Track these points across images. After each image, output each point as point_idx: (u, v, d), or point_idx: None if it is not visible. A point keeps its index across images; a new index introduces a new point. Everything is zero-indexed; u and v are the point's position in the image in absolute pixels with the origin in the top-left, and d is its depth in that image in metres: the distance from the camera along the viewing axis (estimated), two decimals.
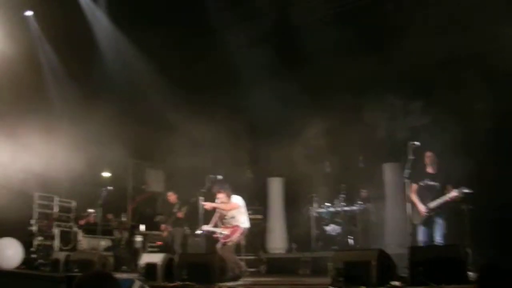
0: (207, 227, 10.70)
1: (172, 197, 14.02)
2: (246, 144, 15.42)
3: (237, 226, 10.45)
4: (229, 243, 10.33)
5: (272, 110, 14.03)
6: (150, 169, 19.57)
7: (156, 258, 9.75)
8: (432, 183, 10.20)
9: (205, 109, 14.15)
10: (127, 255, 15.12)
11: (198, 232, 11.03)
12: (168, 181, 18.72)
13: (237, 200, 10.62)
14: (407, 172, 9.38)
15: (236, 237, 10.41)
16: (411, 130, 12.50)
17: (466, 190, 9.78)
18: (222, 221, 10.63)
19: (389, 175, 13.79)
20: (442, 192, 9.98)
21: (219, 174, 11.28)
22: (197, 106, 14.10)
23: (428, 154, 10.26)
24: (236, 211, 10.55)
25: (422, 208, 10.01)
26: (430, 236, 10.07)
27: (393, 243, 11.82)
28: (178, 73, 14.70)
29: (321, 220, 14.39)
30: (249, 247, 14.09)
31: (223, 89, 14.65)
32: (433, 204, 10.00)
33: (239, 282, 9.40)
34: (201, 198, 10.94)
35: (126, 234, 15.77)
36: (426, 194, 10.08)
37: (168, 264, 9.53)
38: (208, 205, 10.71)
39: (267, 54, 13.49)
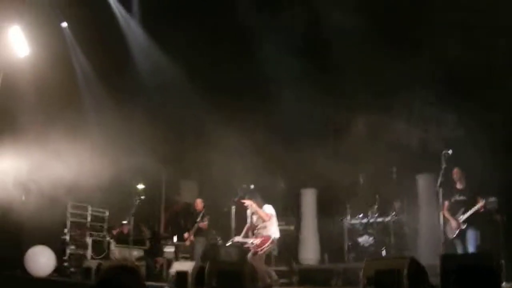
0: (238, 238, 10.80)
1: (199, 205, 14.09)
2: (279, 154, 15.44)
3: (268, 236, 10.54)
4: (260, 253, 10.36)
5: (306, 119, 14.04)
6: (183, 180, 19.67)
7: (187, 266, 9.80)
8: (461, 198, 10.62)
9: (238, 118, 14.19)
10: (159, 265, 15.22)
11: (229, 242, 11.03)
12: (201, 192, 18.79)
13: (270, 210, 10.71)
14: (440, 181, 9.37)
15: (267, 246, 10.48)
16: (445, 141, 12.38)
17: (492, 199, 10.19)
18: (253, 231, 10.73)
19: (423, 186, 13.64)
20: (472, 205, 10.34)
21: (252, 184, 11.29)
22: (230, 115, 14.16)
23: (455, 170, 10.67)
24: (268, 221, 10.64)
25: (454, 223, 10.43)
26: (464, 248, 10.33)
27: (426, 253, 11.68)
28: (211, 81, 14.77)
29: (354, 231, 14.36)
30: (281, 258, 14.10)
31: (257, 97, 14.67)
32: (463, 217, 10.39)
33: None
34: (233, 207, 10.98)
35: (158, 245, 15.84)
36: (456, 209, 10.53)
37: (199, 272, 9.54)
38: (248, 202, 10.74)
39: (301, 60, 13.52)
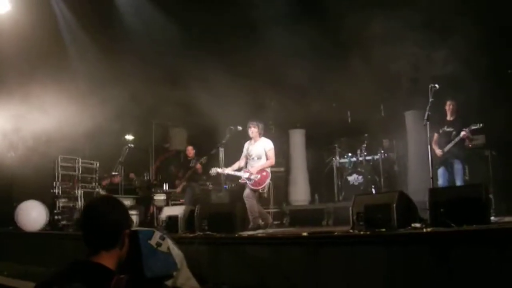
0: (228, 170, 10.89)
1: (191, 152, 14.15)
2: (267, 97, 15.34)
3: (267, 172, 10.62)
4: (260, 191, 10.51)
5: (293, 61, 13.86)
6: (172, 128, 19.55)
7: (177, 210, 9.83)
8: (449, 129, 10.48)
9: (226, 63, 14.01)
10: (149, 213, 15.23)
11: (219, 171, 10.99)
12: (190, 138, 18.70)
13: (271, 144, 10.88)
14: (427, 114, 9.24)
15: (267, 184, 10.53)
16: (434, 79, 12.23)
17: (475, 126, 10.03)
18: (246, 164, 10.86)
19: (411, 122, 13.58)
20: (457, 136, 10.29)
21: (239, 126, 11.20)
22: (217, 60, 13.95)
23: (449, 103, 10.54)
24: (263, 153, 10.77)
25: (438, 151, 10.37)
26: (451, 181, 10.19)
27: (417, 190, 11.68)
28: (198, 26, 14.50)
29: (344, 171, 14.42)
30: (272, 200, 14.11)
31: (244, 41, 14.45)
32: (448, 147, 10.33)
33: (259, 230, 9.42)
34: (221, 150, 10.91)
35: (148, 193, 15.81)
36: (443, 141, 10.44)
37: (189, 216, 9.58)
38: (253, 129, 10.87)
39: (289, 2, 13.29)
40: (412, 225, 7.02)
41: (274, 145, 11.00)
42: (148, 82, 14.70)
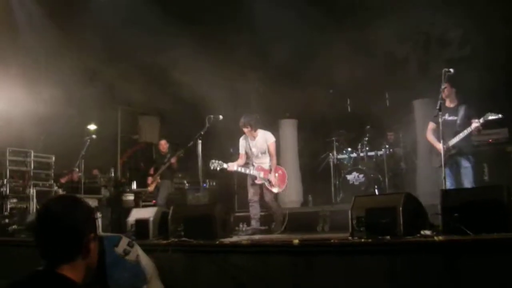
0: (237, 166, 11.27)
1: (164, 146, 14.16)
2: (254, 82, 15.34)
3: (281, 169, 11.41)
4: (280, 191, 11.44)
5: (281, 38, 13.87)
6: (142, 116, 19.49)
7: (147, 213, 9.76)
8: (451, 118, 9.86)
9: (203, 41, 13.99)
10: (116, 215, 15.16)
11: (225, 166, 11.22)
12: (163, 129, 18.66)
13: (272, 137, 11.41)
14: (439, 103, 9.01)
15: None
16: (448, 63, 12.24)
17: (493, 117, 9.33)
18: (251, 159, 11.36)
19: (421, 112, 13.60)
20: (464, 127, 9.62)
21: (220, 115, 11.20)
22: (192, 37, 13.91)
23: (444, 85, 9.43)
24: (267, 147, 11.29)
25: (439, 146, 9.33)
26: (458, 184, 9.64)
27: (427, 191, 11.71)
28: (179, 6, 14.45)
29: (342, 168, 14.46)
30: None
31: (228, 20, 14.46)
32: (453, 141, 9.67)
33: (244, 237, 9.44)
34: (199, 142, 10.89)
35: (115, 192, 15.76)
36: (445, 132, 9.28)
37: (162, 219, 9.53)
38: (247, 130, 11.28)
39: None
40: (421, 232, 6.98)
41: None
42: (112, 62, 14.62)
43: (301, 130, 16.19)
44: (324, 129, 15.33)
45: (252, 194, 11.22)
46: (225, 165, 11.22)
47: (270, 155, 11.25)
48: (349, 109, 15.47)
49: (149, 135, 19.13)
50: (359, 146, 14.36)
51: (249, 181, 11.40)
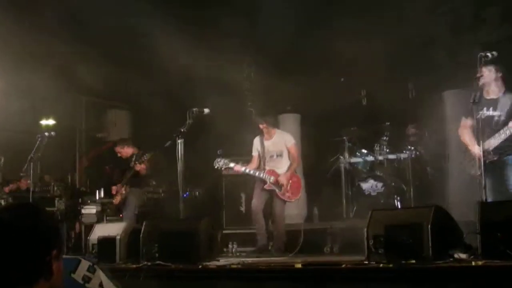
0: (241, 167, 11.96)
1: (125, 150, 14.05)
2: (244, 68, 15.33)
3: (297, 176, 11.94)
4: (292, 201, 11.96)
5: (284, 17, 13.88)
6: (111, 110, 19.44)
7: (114, 229, 9.75)
8: (491, 113, 9.45)
9: (189, 20, 14.00)
10: (75, 233, 15.11)
11: (231, 165, 11.87)
12: (134, 125, 18.62)
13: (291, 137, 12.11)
14: (474, 95, 8.78)
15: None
16: (484, 47, 12.19)
17: None
18: (264, 162, 11.89)
19: (452, 107, 13.56)
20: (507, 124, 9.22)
21: (206, 108, 11.18)
22: (179, 17, 13.88)
23: (487, 69, 9.18)
24: (285, 149, 11.93)
25: (476, 151, 9.06)
26: (501, 195, 9.13)
27: (461, 204, 11.66)
28: None
29: (356, 175, 14.41)
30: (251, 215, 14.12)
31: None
32: (494, 142, 9.27)
33: (234, 260, 9.43)
34: (179, 142, 10.84)
35: (73, 204, 15.63)
36: (484, 130, 8.91)
37: (132, 238, 9.51)
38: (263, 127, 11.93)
39: None
40: (455, 255, 6.97)
41: (255, 134, 11.35)
42: (74, 42, 14.55)
43: (305, 127, 16.19)
44: (333, 126, 15.22)
45: (258, 202, 11.66)
46: (231, 164, 11.81)
47: (292, 159, 11.81)
48: (364, 102, 15.41)
49: (118, 132, 19.03)
50: (377, 147, 14.24)
51: (256, 188, 11.88)
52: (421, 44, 13.50)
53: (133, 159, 13.81)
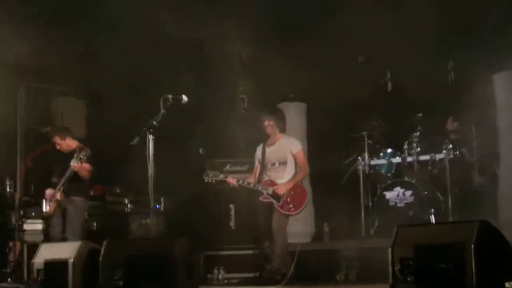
0: (233, 180, 12.15)
1: (66, 143, 13.95)
2: (236, 44, 15.38)
3: (301, 187, 12.12)
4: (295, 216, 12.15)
5: None
6: (59, 98, 19.43)
7: (66, 250, 9.76)
8: None
9: None
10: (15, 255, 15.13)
11: (230, 180, 12.15)
12: (93, 118, 18.63)
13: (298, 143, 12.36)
14: None
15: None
16: None
17: None
18: (264, 170, 12.22)
19: (505, 93, 13.57)
20: None
21: (184, 95, 11.19)
22: None
23: None
24: (289, 156, 12.25)
25: None
26: None
27: None
28: None
29: (378, 181, 14.50)
30: (245, 233, 14.13)
31: None
32: None
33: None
34: (150, 138, 10.85)
35: (10, 218, 15.65)
36: None
37: (89, 261, 9.54)
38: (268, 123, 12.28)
39: None
40: (506, 285, 7.00)
41: (249, 129, 11.40)
42: (9, 9, 14.60)
43: (312, 120, 16.16)
44: (349, 119, 15.27)
45: (260, 218, 12.17)
46: (222, 176, 12.02)
47: (299, 166, 12.11)
48: (389, 87, 15.33)
49: (70, 126, 19.03)
50: (406, 146, 14.28)
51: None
52: (465, 9, 13.53)
53: (75, 155, 13.52)
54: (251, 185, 12.04)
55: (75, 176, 13.54)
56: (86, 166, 13.49)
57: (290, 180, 11.93)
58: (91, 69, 16.01)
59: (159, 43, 14.19)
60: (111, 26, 14.47)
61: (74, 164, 13.33)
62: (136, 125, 11.86)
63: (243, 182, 12.04)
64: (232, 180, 12.01)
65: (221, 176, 12.00)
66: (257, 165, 12.46)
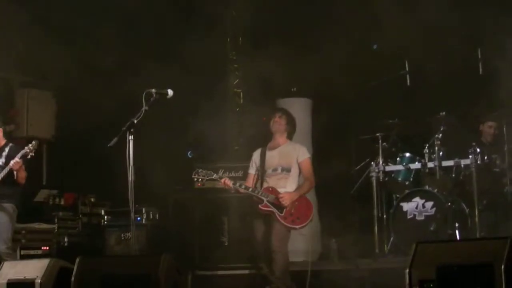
0: (229, 182, 11.89)
1: None
2: (229, 31, 15.43)
3: (306, 198, 12.01)
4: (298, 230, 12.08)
5: None
6: (24, 90, 19.46)
7: (33, 269, 9.79)
8: None
9: None
10: None
11: (228, 183, 11.89)
12: (62, 113, 18.65)
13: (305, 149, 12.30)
14: None
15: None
16: None
17: None
18: (264, 177, 12.11)
19: None
20: None
21: (170, 90, 11.20)
22: None
23: None
24: (294, 163, 12.13)
25: None
26: None
27: None
28: None
29: (394, 190, 14.51)
30: (240, 250, 14.15)
31: None
32: None
33: None
34: (130, 138, 10.86)
35: None
36: None
37: (59, 281, 9.57)
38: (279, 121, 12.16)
39: None
40: None
41: (248, 132, 11.39)
42: None
43: (319, 118, 16.23)
44: (360, 117, 15.27)
45: (258, 231, 11.98)
46: (215, 176, 11.93)
47: (305, 176, 12.01)
48: (408, 81, 15.36)
49: (36, 123, 19.05)
50: (426, 150, 14.27)
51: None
52: None
53: (6, 149, 13.37)
54: (250, 189, 11.88)
55: (9, 177, 13.11)
56: (20, 164, 12.88)
57: (295, 191, 11.82)
58: (60, 54, 16.02)
59: (140, 30, 14.22)
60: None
61: (16, 161, 12.80)
62: (113, 124, 11.89)
63: (240, 186, 11.88)
64: (228, 182, 11.81)
65: (215, 175, 11.92)
66: (253, 173, 12.34)
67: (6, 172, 12.88)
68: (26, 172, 13.16)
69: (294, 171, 11.92)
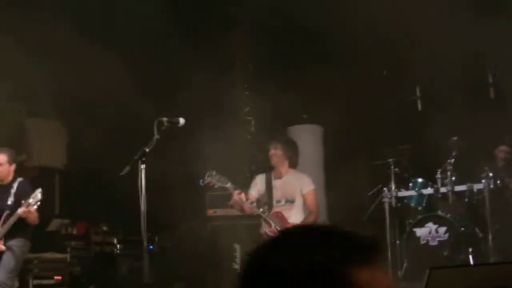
0: (242, 196, 11.78)
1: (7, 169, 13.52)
2: (238, 56, 15.42)
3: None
4: None
5: None
6: (34, 120, 19.48)
7: None
8: None
9: None
10: None
11: (228, 186, 11.87)
12: (74, 143, 18.67)
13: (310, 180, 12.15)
14: None
15: None
16: None
17: None
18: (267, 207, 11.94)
19: None
20: None
21: (181, 118, 11.22)
22: None
23: None
24: (299, 195, 12.03)
25: None
26: None
27: None
28: None
29: (407, 216, 14.47)
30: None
31: None
32: None
33: None
34: (142, 167, 10.85)
35: None
36: None
37: None
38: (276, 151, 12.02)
39: None
40: None
41: (253, 155, 11.34)
42: None
43: (330, 144, 16.19)
44: (372, 143, 15.26)
45: None
46: (228, 185, 11.80)
47: (309, 209, 11.92)
48: (419, 106, 15.37)
49: (47, 153, 19.07)
50: (439, 175, 14.21)
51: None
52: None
53: (14, 184, 12.93)
54: (260, 210, 11.87)
55: (19, 220, 12.56)
56: (29, 210, 12.35)
57: (301, 222, 11.57)
58: (72, 85, 16.04)
59: (151, 53, 14.24)
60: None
61: (24, 210, 12.34)
62: (125, 153, 11.90)
63: (252, 203, 11.86)
64: (241, 195, 11.67)
65: (229, 184, 11.76)
66: (254, 195, 12.20)
67: (16, 218, 12.37)
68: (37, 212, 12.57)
69: (299, 201, 11.91)
